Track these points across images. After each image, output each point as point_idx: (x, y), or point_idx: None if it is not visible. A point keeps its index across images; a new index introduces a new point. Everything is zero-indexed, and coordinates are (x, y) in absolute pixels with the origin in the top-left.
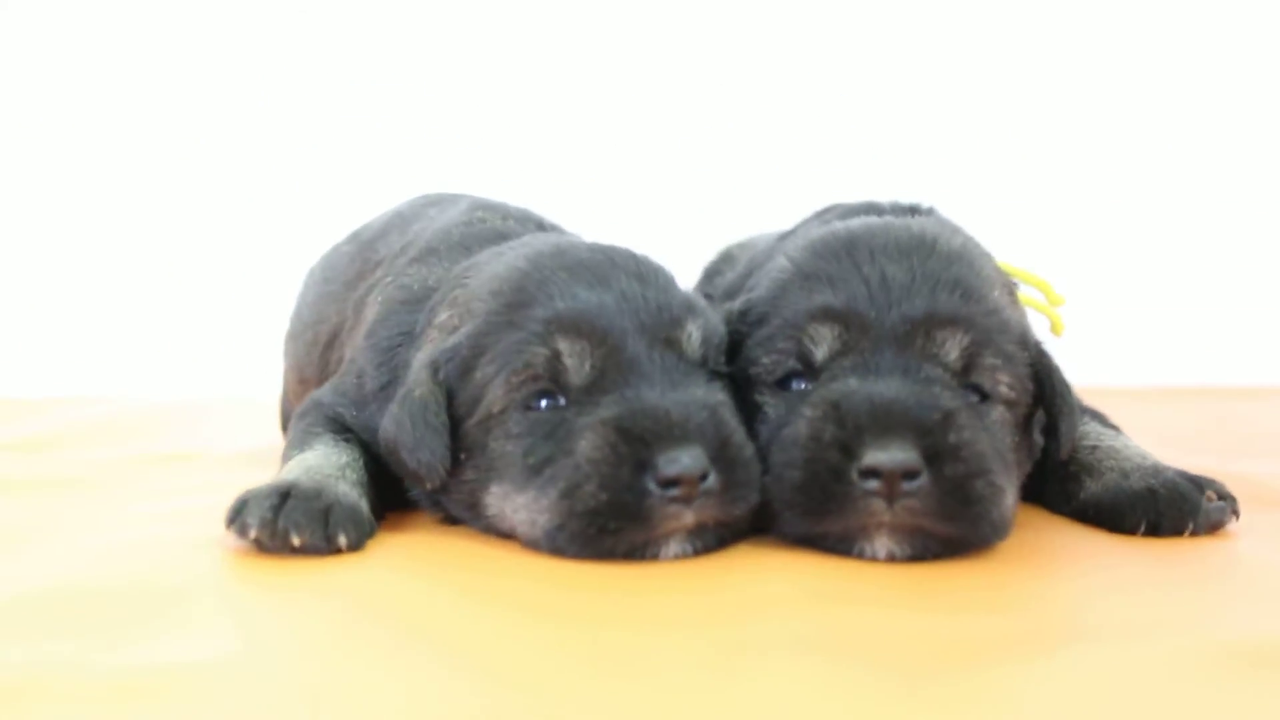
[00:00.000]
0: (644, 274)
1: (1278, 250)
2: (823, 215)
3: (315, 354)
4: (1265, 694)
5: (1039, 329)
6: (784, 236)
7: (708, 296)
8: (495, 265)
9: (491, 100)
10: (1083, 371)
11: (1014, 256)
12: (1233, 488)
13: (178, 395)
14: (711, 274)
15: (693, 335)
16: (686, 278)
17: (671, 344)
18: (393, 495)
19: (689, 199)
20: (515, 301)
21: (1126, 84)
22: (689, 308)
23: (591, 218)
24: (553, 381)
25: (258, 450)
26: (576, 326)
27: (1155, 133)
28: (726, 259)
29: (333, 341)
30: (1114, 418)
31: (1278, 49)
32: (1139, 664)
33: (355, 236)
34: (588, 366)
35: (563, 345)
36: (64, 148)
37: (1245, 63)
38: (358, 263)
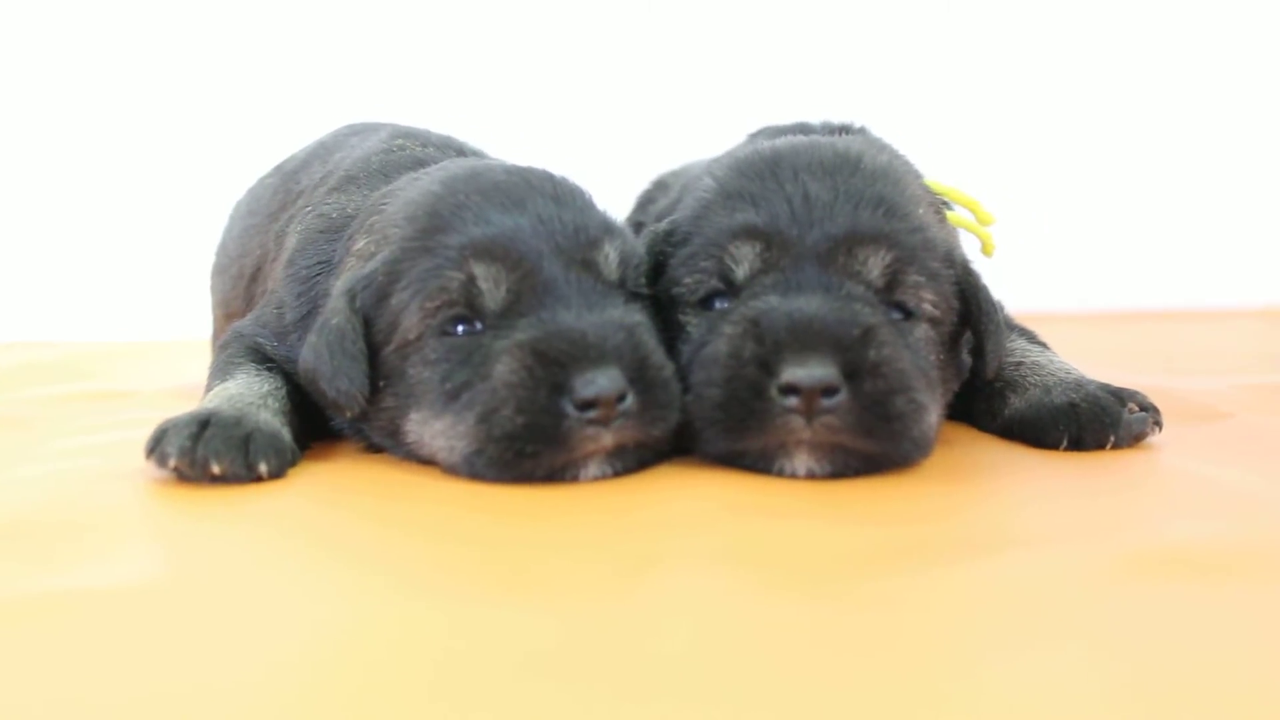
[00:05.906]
0: (560, 195)
1: (1214, 174)
2: (754, 137)
3: (240, 288)
4: (1178, 595)
5: (970, 250)
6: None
7: (640, 224)
8: (410, 191)
9: (420, 29)
10: (1018, 296)
11: (946, 176)
12: (1158, 402)
13: (113, 338)
14: (645, 202)
15: (610, 256)
16: (622, 206)
17: (588, 265)
18: (317, 425)
19: (626, 127)
20: (430, 227)
21: (1063, 6)
22: (606, 228)
23: (526, 148)
24: (468, 307)
25: (190, 387)
26: (490, 250)
27: (1092, 55)
28: (660, 186)
29: (257, 275)
30: (1047, 340)
31: None
32: (1058, 569)
33: (279, 168)
34: (503, 290)
35: (477, 270)
36: None
37: None
38: (280, 194)
